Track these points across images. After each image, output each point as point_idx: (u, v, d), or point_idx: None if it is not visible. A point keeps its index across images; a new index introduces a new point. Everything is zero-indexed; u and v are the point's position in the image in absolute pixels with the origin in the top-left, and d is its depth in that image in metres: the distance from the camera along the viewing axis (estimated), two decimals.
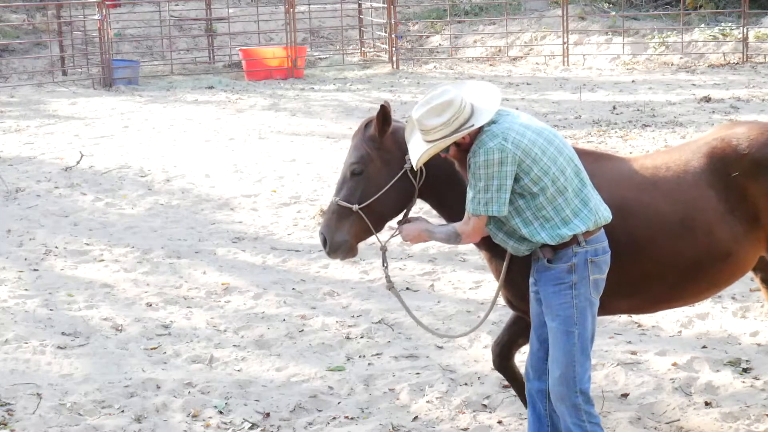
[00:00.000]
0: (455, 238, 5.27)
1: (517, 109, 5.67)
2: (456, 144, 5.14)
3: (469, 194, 5.13)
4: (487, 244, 5.54)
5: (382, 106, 5.41)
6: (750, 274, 6.05)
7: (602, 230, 5.25)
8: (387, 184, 5.44)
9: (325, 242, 5.51)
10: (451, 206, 5.53)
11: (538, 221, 5.13)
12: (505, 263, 5.45)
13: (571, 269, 5.17)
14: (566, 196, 5.14)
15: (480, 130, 5.13)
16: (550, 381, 5.31)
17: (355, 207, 5.43)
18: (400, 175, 5.44)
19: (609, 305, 5.59)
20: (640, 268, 5.53)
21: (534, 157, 5.08)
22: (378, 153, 5.44)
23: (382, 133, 5.43)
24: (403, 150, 5.42)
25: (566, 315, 5.19)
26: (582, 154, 5.47)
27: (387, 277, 5.66)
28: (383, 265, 5.63)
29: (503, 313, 8.29)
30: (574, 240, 5.16)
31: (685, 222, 5.52)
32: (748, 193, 5.56)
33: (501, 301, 5.77)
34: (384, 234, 5.68)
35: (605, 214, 5.25)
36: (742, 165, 5.58)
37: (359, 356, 7.70)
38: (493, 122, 5.13)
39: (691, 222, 5.52)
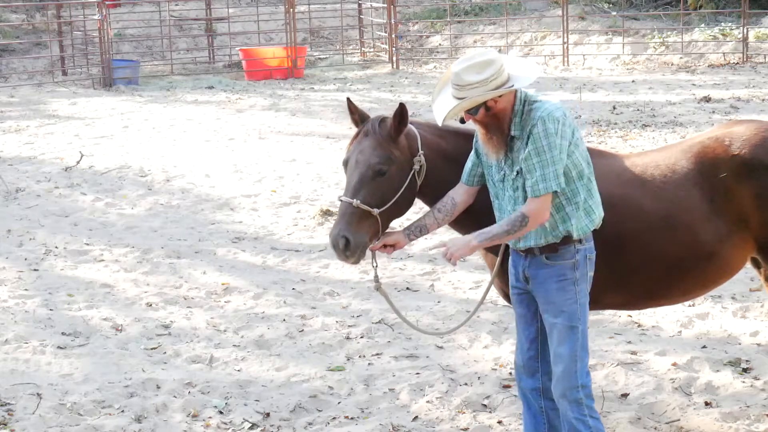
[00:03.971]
0: (522, 223, 5.07)
1: None
2: (486, 107, 5.09)
3: (538, 170, 5.03)
4: None
5: (401, 104, 5.34)
6: (750, 274, 6.06)
7: None
8: (403, 186, 5.38)
9: (346, 245, 5.27)
10: None
11: (571, 206, 5.16)
12: (499, 257, 5.45)
13: (574, 266, 5.19)
14: (591, 187, 5.21)
15: (515, 97, 5.11)
16: (553, 378, 5.31)
17: (376, 211, 5.30)
18: (411, 176, 5.40)
19: (601, 299, 5.65)
20: (626, 262, 5.59)
21: (576, 141, 5.12)
22: (398, 153, 5.37)
23: (398, 133, 5.36)
24: (414, 151, 5.40)
25: (571, 311, 5.20)
26: None
27: (376, 276, 5.59)
28: (373, 265, 5.55)
29: (504, 314, 8.30)
30: (579, 237, 5.19)
31: (668, 220, 5.56)
32: (736, 194, 5.58)
33: (502, 300, 5.77)
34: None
35: (602, 214, 5.30)
36: (732, 165, 5.59)
37: (359, 356, 7.70)
38: (540, 98, 5.15)
39: (674, 220, 5.56)
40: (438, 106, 5.20)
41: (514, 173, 5.16)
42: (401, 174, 5.37)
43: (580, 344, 5.23)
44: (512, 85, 5.06)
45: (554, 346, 5.27)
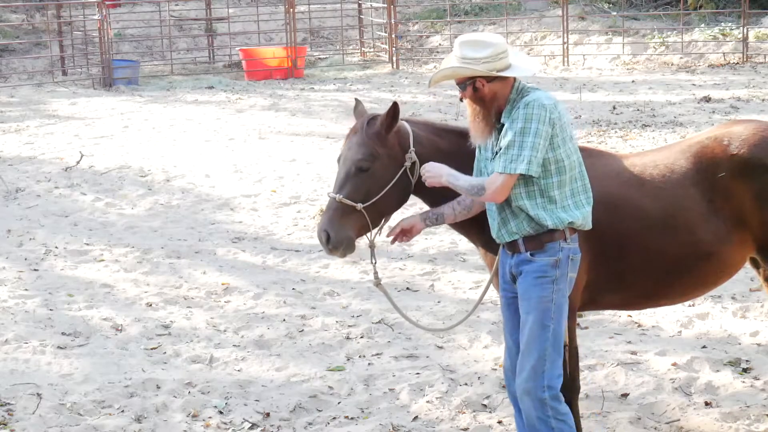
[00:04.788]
0: (478, 191, 5.17)
1: None
2: (474, 87, 5.14)
3: (512, 150, 5.05)
4: (483, 239, 5.55)
5: (394, 102, 5.41)
6: (750, 274, 6.06)
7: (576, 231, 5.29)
8: (390, 182, 5.44)
9: (328, 239, 5.42)
10: (444, 202, 5.55)
11: (543, 199, 5.15)
12: (498, 255, 5.45)
13: (555, 264, 5.18)
14: (574, 187, 5.19)
15: (512, 87, 5.16)
16: (518, 375, 5.25)
17: (360, 206, 5.39)
18: (401, 173, 5.45)
19: (600, 299, 5.66)
20: (625, 262, 5.59)
21: (564, 137, 5.13)
22: (384, 150, 5.43)
23: (388, 130, 5.43)
24: (405, 147, 5.45)
25: (544, 309, 5.18)
26: None
27: (375, 273, 5.68)
28: (371, 261, 5.63)
29: None
30: (562, 235, 5.18)
31: (667, 220, 5.57)
32: (735, 194, 5.58)
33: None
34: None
35: (590, 219, 5.28)
36: (730, 165, 5.60)
37: (359, 356, 7.70)
38: (535, 89, 5.17)
39: (673, 220, 5.57)
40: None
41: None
42: (387, 170, 5.44)
43: (551, 344, 5.18)
44: (497, 73, 5.10)
45: (524, 341, 5.23)
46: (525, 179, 5.12)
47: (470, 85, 5.16)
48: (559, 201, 5.15)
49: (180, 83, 22.84)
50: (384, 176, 5.43)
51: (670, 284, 5.72)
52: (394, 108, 5.39)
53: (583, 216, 5.22)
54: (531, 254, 5.20)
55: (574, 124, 16.13)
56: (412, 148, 5.44)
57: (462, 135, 5.53)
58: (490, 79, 5.14)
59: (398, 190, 5.48)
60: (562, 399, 5.27)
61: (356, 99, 5.73)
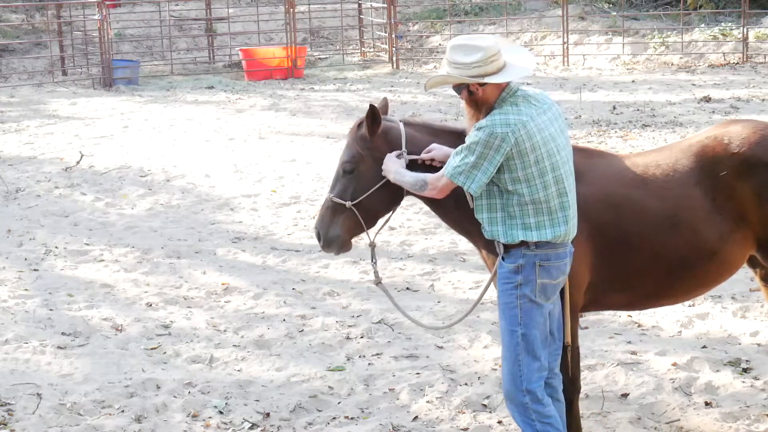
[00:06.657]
0: (421, 187, 5.33)
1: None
2: (469, 90, 5.17)
3: (456, 158, 5.14)
4: (483, 239, 5.56)
5: (370, 106, 5.50)
6: (750, 274, 6.07)
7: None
8: (377, 183, 5.53)
9: (319, 237, 5.64)
10: (442, 204, 5.55)
11: (502, 213, 5.20)
12: (498, 257, 5.46)
13: (517, 270, 5.21)
14: (538, 208, 5.17)
15: (498, 95, 5.14)
16: (502, 378, 5.37)
17: (348, 203, 5.54)
18: None
19: (603, 299, 5.68)
20: (629, 263, 5.60)
21: (525, 162, 5.10)
22: (369, 152, 5.53)
23: (371, 133, 5.52)
24: (393, 149, 5.51)
25: (511, 314, 5.24)
26: (576, 150, 5.52)
27: (375, 272, 5.77)
28: (372, 260, 5.75)
29: None
30: (524, 242, 5.19)
31: (671, 219, 5.58)
32: (736, 192, 5.59)
33: None
34: (373, 230, 5.74)
35: (567, 235, 5.23)
36: (732, 164, 5.61)
37: (359, 356, 7.70)
38: (515, 104, 5.14)
39: (676, 219, 5.58)
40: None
41: None
42: (374, 171, 5.53)
43: (523, 349, 5.23)
44: (488, 80, 5.10)
45: (501, 347, 5.34)
46: (487, 193, 5.18)
47: (465, 89, 5.20)
48: (519, 217, 5.17)
49: (180, 83, 22.84)
50: (370, 177, 5.53)
51: (672, 284, 5.72)
52: (372, 111, 5.47)
53: (542, 235, 5.16)
54: (503, 258, 5.25)
55: (573, 125, 16.14)
56: (404, 149, 5.47)
57: (460, 135, 5.54)
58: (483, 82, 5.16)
59: (387, 191, 5.55)
60: (547, 402, 5.31)
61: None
